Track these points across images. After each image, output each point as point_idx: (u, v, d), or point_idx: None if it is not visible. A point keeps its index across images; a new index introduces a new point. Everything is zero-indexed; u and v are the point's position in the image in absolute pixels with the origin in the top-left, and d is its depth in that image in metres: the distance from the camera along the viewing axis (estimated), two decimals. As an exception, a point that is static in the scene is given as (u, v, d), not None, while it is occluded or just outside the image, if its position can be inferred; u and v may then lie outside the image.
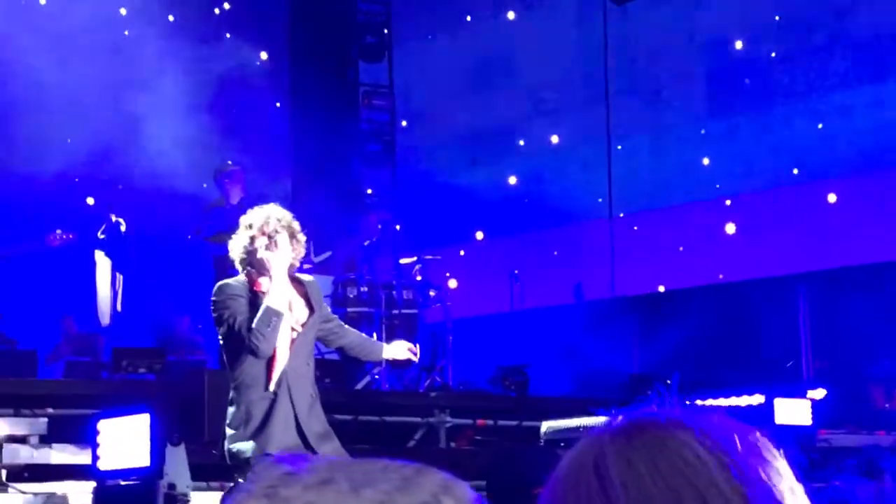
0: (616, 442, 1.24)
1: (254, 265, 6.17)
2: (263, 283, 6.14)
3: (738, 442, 1.23)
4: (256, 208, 6.29)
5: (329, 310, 6.80)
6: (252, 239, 6.15)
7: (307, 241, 6.38)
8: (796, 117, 13.82)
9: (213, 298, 6.26)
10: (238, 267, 6.26)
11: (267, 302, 6.03)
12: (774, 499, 1.20)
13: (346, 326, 6.74)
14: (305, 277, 6.47)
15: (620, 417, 1.29)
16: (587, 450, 1.25)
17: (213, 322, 6.27)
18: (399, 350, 6.75)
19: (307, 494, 0.93)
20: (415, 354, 6.80)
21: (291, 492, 0.94)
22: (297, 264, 6.31)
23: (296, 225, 6.24)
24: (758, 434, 1.26)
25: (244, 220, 6.25)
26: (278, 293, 6.09)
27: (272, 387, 6.03)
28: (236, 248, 6.23)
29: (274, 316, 6.02)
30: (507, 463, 7.43)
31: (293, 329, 6.16)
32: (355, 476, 0.95)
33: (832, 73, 13.62)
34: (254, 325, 5.98)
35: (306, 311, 6.25)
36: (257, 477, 0.97)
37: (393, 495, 0.94)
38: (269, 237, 6.10)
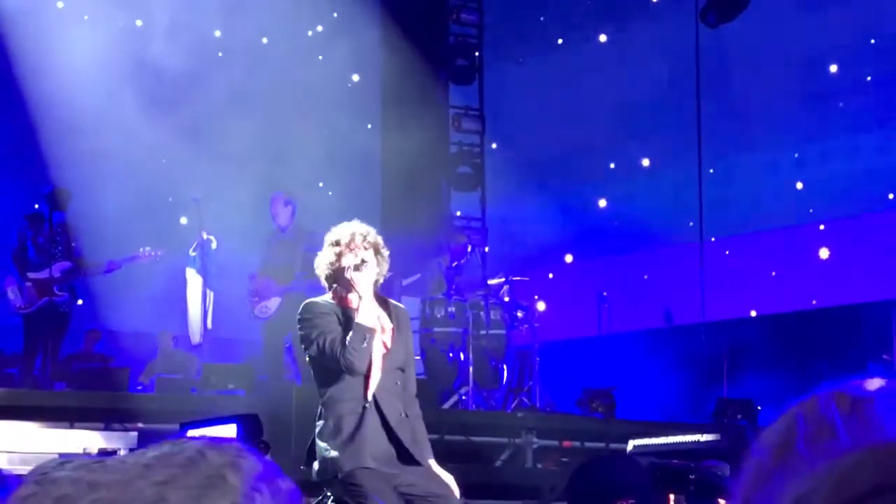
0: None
1: (339, 282, 6.17)
2: (352, 299, 6.14)
3: None
4: (341, 224, 6.28)
5: (412, 350, 6.65)
6: (338, 256, 6.14)
7: (389, 258, 6.36)
8: (891, 141, 13.62)
9: (299, 317, 6.24)
10: (324, 284, 6.25)
11: (358, 319, 6.03)
12: None
13: (413, 395, 6.30)
14: (394, 302, 6.45)
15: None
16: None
17: (301, 340, 6.26)
18: (439, 476, 6.05)
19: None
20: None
21: None
22: (382, 280, 6.30)
23: (380, 240, 6.22)
24: None
25: (329, 236, 6.23)
26: (368, 310, 6.09)
27: (370, 396, 6.02)
28: (321, 264, 6.22)
29: (367, 332, 6.01)
30: (590, 473, 7.29)
31: (384, 345, 6.16)
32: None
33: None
34: (347, 343, 5.99)
35: (391, 330, 6.24)
36: None
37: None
38: (355, 253, 6.10)
